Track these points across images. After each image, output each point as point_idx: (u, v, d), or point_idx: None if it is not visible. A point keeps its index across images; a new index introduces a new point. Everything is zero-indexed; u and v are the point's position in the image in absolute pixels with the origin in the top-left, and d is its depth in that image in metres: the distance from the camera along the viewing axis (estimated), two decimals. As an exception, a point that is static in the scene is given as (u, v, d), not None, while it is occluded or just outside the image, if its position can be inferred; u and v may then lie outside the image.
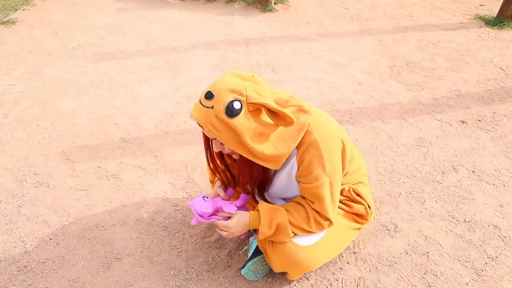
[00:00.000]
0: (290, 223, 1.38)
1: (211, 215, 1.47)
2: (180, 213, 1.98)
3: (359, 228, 1.62)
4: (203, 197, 1.48)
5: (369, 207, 1.59)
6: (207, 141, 1.43)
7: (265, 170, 1.39)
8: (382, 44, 3.75)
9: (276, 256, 1.45)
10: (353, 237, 1.65)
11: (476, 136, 2.52)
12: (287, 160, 1.34)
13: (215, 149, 1.36)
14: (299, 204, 1.43)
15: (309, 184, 1.35)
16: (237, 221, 1.42)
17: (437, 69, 3.30)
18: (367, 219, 1.61)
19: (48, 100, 2.91)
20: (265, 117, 1.26)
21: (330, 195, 1.36)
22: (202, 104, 1.23)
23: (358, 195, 1.58)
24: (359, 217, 1.59)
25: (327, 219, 1.40)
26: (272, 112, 1.23)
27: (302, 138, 1.30)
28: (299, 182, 1.39)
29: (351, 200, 1.57)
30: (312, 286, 1.63)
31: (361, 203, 1.57)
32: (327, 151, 1.31)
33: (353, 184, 1.59)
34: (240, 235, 1.55)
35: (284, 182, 1.42)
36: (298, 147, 1.31)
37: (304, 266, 1.45)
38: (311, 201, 1.39)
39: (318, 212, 1.39)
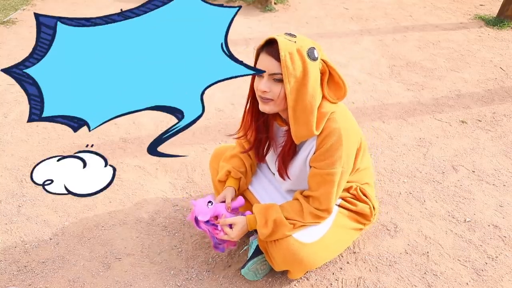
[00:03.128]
0: (285, 217, 1.39)
1: (206, 221, 1.46)
2: (180, 213, 1.98)
3: (361, 229, 1.63)
4: (208, 201, 1.47)
5: (373, 208, 1.60)
6: (253, 88, 1.35)
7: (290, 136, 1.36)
8: (382, 44, 3.75)
9: (279, 253, 1.44)
10: (355, 237, 1.65)
11: (476, 136, 2.52)
12: (306, 142, 1.36)
13: (263, 86, 1.25)
14: (294, 200, 1.45)
15: (321, 170, 1.35)
16: (238, 230, 1.42)
17: (437, 69, 3.30)
18: (369, 220, 1.61)
19: (48, 100, 2.91)
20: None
21: (337, 185, 1.37)
22: (284, 36, 1.22)
23: (364, 195, 1.59)
24: (362, 218, 1.59)
25: (326, 209, 1.40)
26: (332, 80, 1.28)
27: (325, 124, 1.31)
28: (311, 167, 1.39)
29: (357, 199, 1.58)
30: (312, 286, 1.63)
31: (366, 203, 1.58)
32: (347, 143, 1.32)
33: (361, 184, 1.60)
34: (235, 243, 1.58)
35: (299, 167, 1.42)
36: (320, 132, 1.32)
37: (306, 264, 1.44)
38: (314, 189, 1.38)
39: (315, 207, 1.40)
